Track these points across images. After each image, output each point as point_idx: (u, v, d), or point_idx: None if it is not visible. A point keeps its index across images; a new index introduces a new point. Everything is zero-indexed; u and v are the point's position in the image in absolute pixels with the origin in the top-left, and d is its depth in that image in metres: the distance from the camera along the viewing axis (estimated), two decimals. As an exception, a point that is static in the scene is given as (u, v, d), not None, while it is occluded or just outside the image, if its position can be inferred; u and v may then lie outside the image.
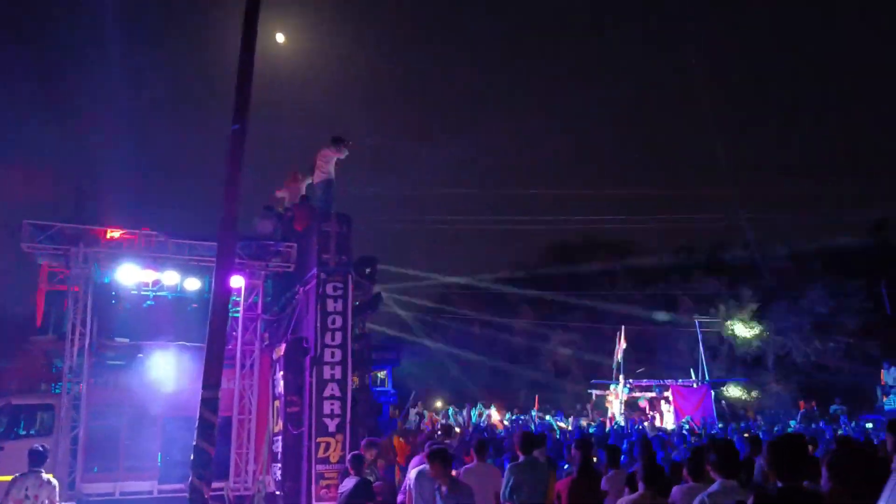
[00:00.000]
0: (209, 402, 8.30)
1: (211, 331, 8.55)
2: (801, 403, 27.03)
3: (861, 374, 29.26)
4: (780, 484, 3.44)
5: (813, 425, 18.42)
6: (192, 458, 8.17)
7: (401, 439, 12.43)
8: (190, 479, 8.12)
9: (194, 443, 8.22)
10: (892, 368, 23.84)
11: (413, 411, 15.75)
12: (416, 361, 27.20)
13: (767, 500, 3.38)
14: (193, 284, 12.14)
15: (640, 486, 5.74)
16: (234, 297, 12.60)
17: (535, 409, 22.86)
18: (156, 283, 12.14)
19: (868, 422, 19.96)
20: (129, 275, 11.63)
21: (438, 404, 24.27)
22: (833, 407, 24.65)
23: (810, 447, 11.06)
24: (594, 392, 25.04)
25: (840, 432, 14.65)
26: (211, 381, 8.37)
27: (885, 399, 23.35)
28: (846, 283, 30.07)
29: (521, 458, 7.25)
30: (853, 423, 18.16)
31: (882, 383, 24.04)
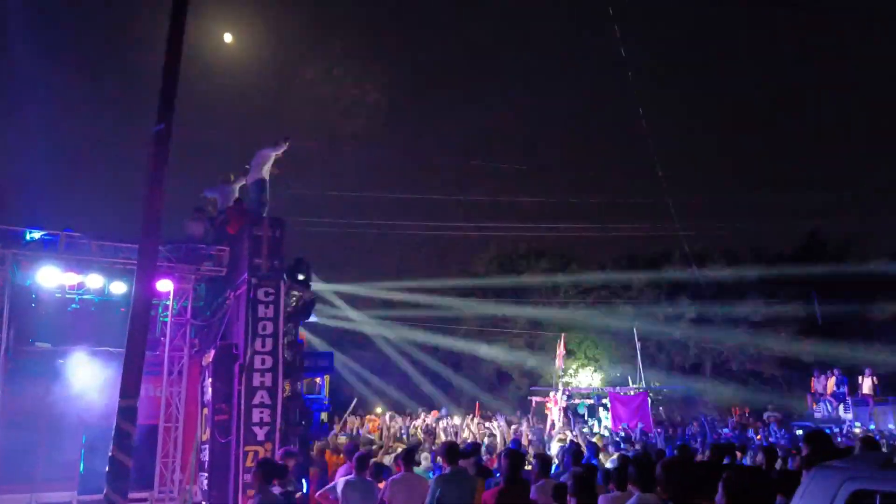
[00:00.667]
0: (127, 412, 7.98)
1: (131, 337, 8.23)
2: (735, 410, 27.70)
3: (793, 381, 30.20)
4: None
5: (749, 432, 18.83)
6: (107, 469, 7.86)
7: (331, 453, 12.24)
8: (106, 491, 7.81)
9: (110, 454, 7.91)
10: (822, 376, 24.57)
11: (353, 419, 15.50)
12: (355, 368, 26.96)
13: None
14: (119, 288, 11.72)
15: (571, 500, 5.71)
16: (163, 302, 12.28)
17: (477, 415, 22.83)
18: (79, 286, 11.67)
19: (799, 429, 20.53)
20: (50, 277, 11.17)
21: (378, 410, 24.00)
22: (766, 413, 25.30)
23: (738, 454, 11.28)
24: (534, 399, 25.16)
25: (770, 439, 14.98)
26: (129, 389, 8.06)
27: (814, 406, 24.04)
28: (780, 293, 30.99)
29: (448, 468, 7.16)
30: (782, 431, 18.61)
31: (812, 391, 24.76)
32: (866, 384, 23.26)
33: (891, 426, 19.69)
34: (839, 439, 16.26)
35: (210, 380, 11.00)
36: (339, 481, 7.87)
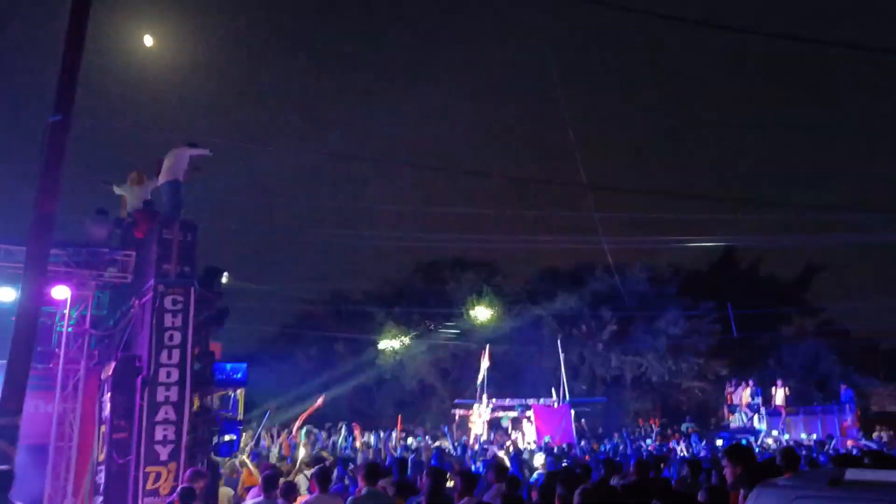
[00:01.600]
0: (5, 431, 7.22)
1: (14, 349, 7.49)
2: (654, 421, 28.16)
3: (709, 392, 30.95)
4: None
5: (672, 442, 18.95)
6: (-19, 496, 7.04)
7: (249, 473, 11.57)
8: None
9: (-16, 479, 7.09)
10: (738, 387, 25.20)
11: (264, 434, 14.77)
12: (272, 380, 26.01)
13: None
14: (8, 295, 10.74)
15: None
16: (60, 311, 11.34)
17: (399, 429, 22.32)
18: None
19: (718, 439, 20.89)
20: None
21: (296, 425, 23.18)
22: (684, 425, 25.75)
23: (662, 465, 11.22)
24: (457, 412, 24.85)
25: (690, 451, 15.07)
26: (10, 405, 7.30)
27: (730, 417, 24.62)
28: (698, 306, 31.76)
29: (365, 489, 6.70)
30: (703, 442, 18.85)
31: (729, 402, 25.37)
32: (779, 395, 23.99)
33: (802, 436, 20.26)
34: (756, 450, 16.54)
35: (109, 395, 10.15)
36: (248, 503, 7.30)
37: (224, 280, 11.27)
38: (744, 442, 17.61)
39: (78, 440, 10.76)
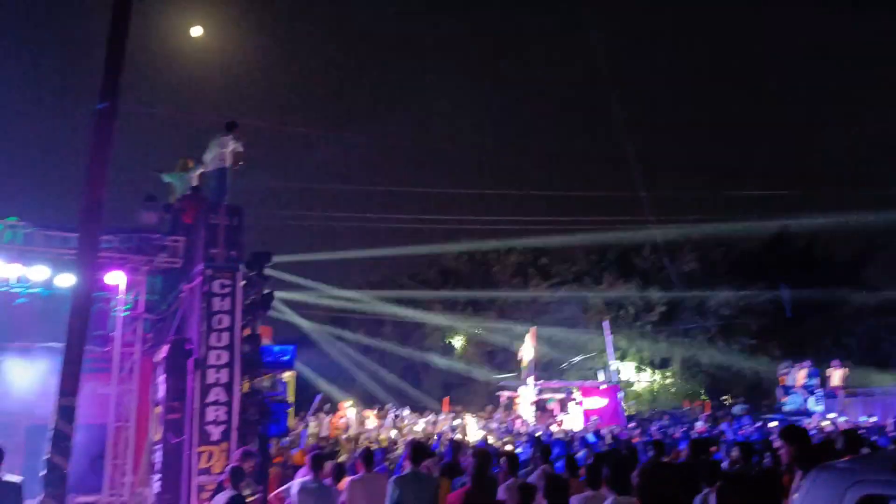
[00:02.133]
0: (65, 412, 7.45)
1: (70, 332, 7.68)
2: (707, 404, 27.68)
3: (762, 374, 30.25)
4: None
5: (723, 425, 18.61)
6: (43, 473, 7.31)
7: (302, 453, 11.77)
8: (42, 497, 7.26)
9: (46, 456, 7.36)
10: (793, 368, 24.55)
11: (313, 421, 14.90)
12: (321, 364, 26.38)
13: None
14: (67, 280, 11.04)
15: (542, 501, 5.30)
16: (114, 296, 11.64)
17: (445, 411, 22.44)
18: (20, 279, 10.99)
19: (771, 422, 20.43)
20: (-7, 270, 10.50)
21: (348, 405, 23.46)
22: (736, 407, 25.25)
23: (713, 448, 11.01)
24: (504, 394, 24.83)
25: (742, 433, 14.77)
26: (68, 387, 7.52)
27: (784, 399, 24.02)
28: (749, 287, 31.04)
29: (409, 469, 6.73)
30: (755, 424, 18.46)
31: (782, 383, 24.74)
32: (836, 376, 23.32)
33: (862, 419, 19.68)
34: (811, 433, 16.14)
35: (162, 377, 10.41)
36: (295, 483, 7.43)
37: (271, 264, 11.38)
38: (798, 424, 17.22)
39: (135, 420, 11.06)
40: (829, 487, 3.08)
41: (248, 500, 8.03)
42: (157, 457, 10.36)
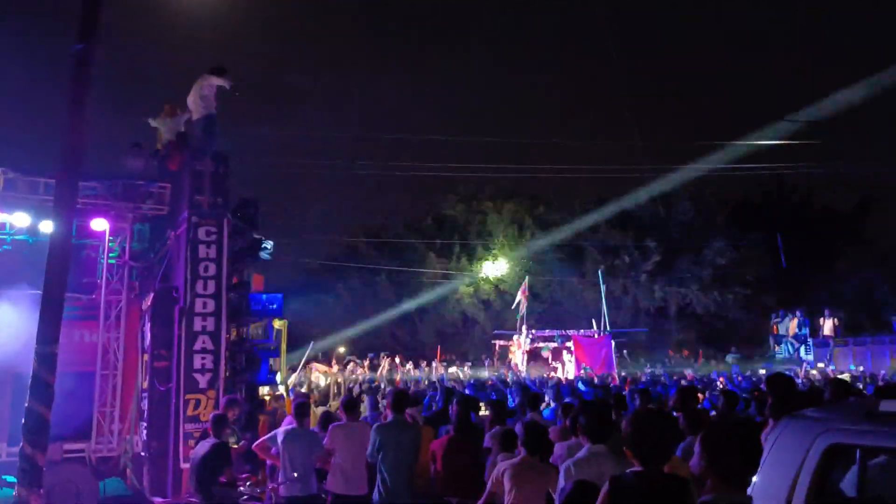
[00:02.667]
0: (44, 359, 7.34)
1: (48, 278, 7.54)
2: (700, 352, 27.87)
3: (756, 324, 30.41)
4: (638, 467, 2.94)
5: (713, 374, 18.71)
6: (23, 422, 7.26)
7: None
8: (21, 445, 7.22)
9: (26, 404, 7.30)
10: (785, 318, 24.68)
11: (301, 374, 14.83)
12: (316, 313, 26.40)
13: (623, 488, 2.86)
14: (51, 227, 10.88)
15: (521, 450, 5.25)
16: (101, 243, 11.50)
17: (439, 359, 22.55)
18: (2, 225, 10.85)
19: (761, 370, 20.56)
20: (-29, 216, 10.34)
21: (341, 351, 23.61)
22: (728, 356, 25.44)
23: (700, 395, 11.03)
24: (498, 342, 24.94)
25: (733, 382, 14.84)
26: (47, 334, 7.40)
27: (776, 348, 24.18)
28: (746, 237, 30.95)
29: (391, 417, 6.70)
30: (746, 372, 18.58)
31: (775, 332, 24.88)
32: (827, 325, 23.43)
33: (851, 367, 19.81)
34: (798, 381, 16.24)
35: (149, 325, 10.35)
36: (280, 431, 7.40)
37: (258, 212, 11.22)
38: (788, 373, 17.32)
39: (122, 368, 11.04)
40: (797, 436, 3.00)
41: (233, 447, 8.04)
42: (145, 404, 10.38)
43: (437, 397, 10.70)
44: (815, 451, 2.87)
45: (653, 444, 2.92)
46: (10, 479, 8.63)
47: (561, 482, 4.20)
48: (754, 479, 2.82)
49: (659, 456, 2.92)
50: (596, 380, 16.35)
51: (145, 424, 10.15)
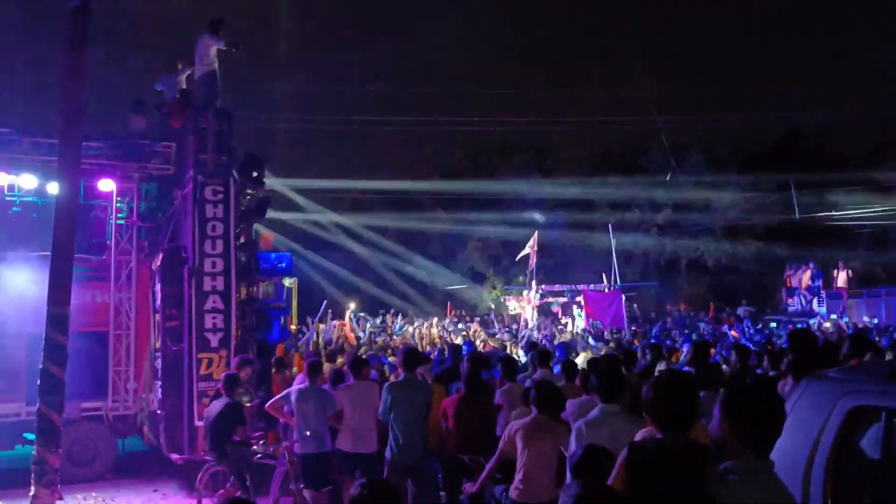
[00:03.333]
0: (56, 320, 7.38)
1: (56, 242, 7.54)
2: (711, 305, 27.79)
3: (768, 276, 30.23)
4: (659, 435, 2.86)
5: (724, 327, 18.65)
6: (38, 382, 7.32)
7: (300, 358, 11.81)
8: (38, 405, 7.30)
9: (41, 366, 7.35)
10: (798, 270, 24.51)
11: (319, 326, 14.81)
12: (326, 270, 26.44)
13: (642, 456, 2.78)
14: (57, 188, 10.84)
15: (532, 409, 5.22)
16: (110, 204, 11.45)
17: (449, 316, 22.60)
18: (10, 187, 10.81)
19: (772, 322, 20.51)
20: (-22, 179, 10.30)
21: (351, 306, 23.62)
22: (740, 308, 25.36)
23: (712, 350, 10.99)
24: (507, 297, 24.96)
25: (747, 335, 14.79)
26: (57, 296, 7.42)
27: (789, 300, 24.07)
28: (758, 187, 30.55)
29: (402, 375, 6.70)
30: (758, 325, 18.53)
31: (788, 285, 24.74)
32: (841, 277, 23.25)
33: (865, 319, 19.72)
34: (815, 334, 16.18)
35: (159, 285, 10.36)
36: (293, 390, 7.44)
37: (265, 170, 11.10)
38: (800, 326, 17.25)
39: (135, 328, 11.10)
40: (819, 398, 2.93)
41: (247, 406, 8.11)
42: (159, 363, 10.46)
43: (447, 354, 10.72)
44: (838, 414, 2.80)
45: (676, 411, 2.83)
46: (31, 436, 8.77)
47: (572, 444, 4.16)
48: None
49: (681, 424, 2.84)
50: (606, 334, 16.35)
51: (160, 383, 10.23)
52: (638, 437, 3.84)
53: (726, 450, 2.45)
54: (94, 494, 7.79)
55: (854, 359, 5.74)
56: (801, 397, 3.00)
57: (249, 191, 10.81)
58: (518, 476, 4.95)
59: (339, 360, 9.96)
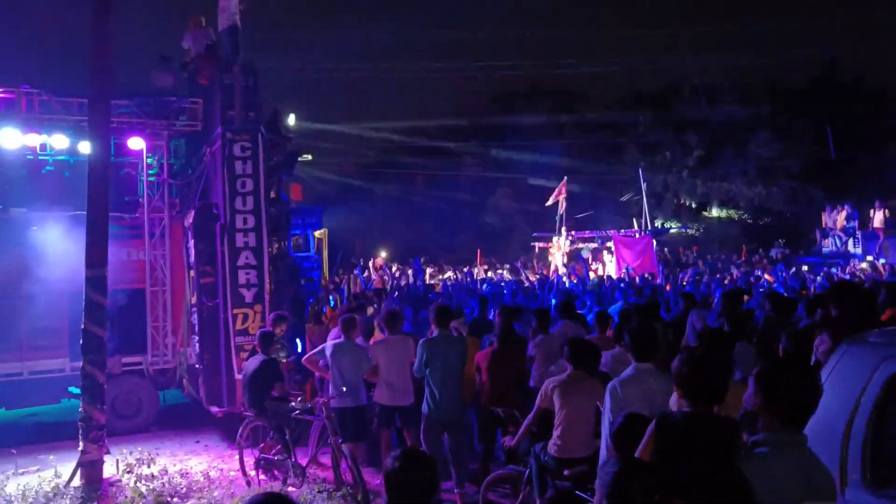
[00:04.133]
0: (95, 282, 7.53)
1: (91, 203, 7.63)
2: (744, 248, 27.44)
3: (802, 217, 29.66)
4: (687, 409, 2.85)
5: (758, 271, 18.41)
6: (81, 342, 7.52)
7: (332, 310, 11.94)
8: (81, 364, 7.52)
9: (82, 326, 7.54)
10: (834, 211, 24.00)
11: (339, 276, 14.92)
12: (354, 219, 26.51)
13: (670, 428, 2.77)
14: (88, 148, 10.92)
15: (567, 367, 5.23)
16: (140, 161, 11.53)
17: (479, 263, 22.62)
18: (42, 147, 10.91)
19: (804, 265, 20.19)
20: (11, 139, 10.39)
21: (382, 256, 23.78)
22: (773, 250, 25.00)
23: (746, 297, 10.87)
24: (537, 245, 24.86)
25: (778, 280, 14.60)
26: (95, 258, 7.56)
27: (824, 242, 23.63)
28: (792, 126, 29.76)
29: (436, 332, 6.75)
30: (791, 269, 18.27)
31: (823, 226, 24.26)
32: (877, 217, 22.71)
33: (901, 260, 19.32)
34: (845, 275, 15.94)
35: (192, 242, 10.48)
36: (328, 345, 7.53)
37: (291, 123, 11.06)
38: (834, 270, 16.98)
39: (170, 284, 11.28)
40: (859, 363, 2.89)
41: (283, 362, 8.26)
42: (195, 319, 10.66)
43: (473, 305, 10.74)
44: (878, 379, 2.77)
45: (706, 386, 2.81)
46: (75, 390, 9.05)
47: (607, 402, 4.18)
48: None
49: (711, 399, 2.82)
50: (638, 280, 16.26)
51: (197, 338, 10.45)
52: (672, 400, 3.84)
53: (759, 421, 2.43)
54: (139, 448, 8.04)
55: (891, 307, 5.63)
56: (840, 362, 2.97)
57: (277, 146, 10.81)
58: (556, 432, 5.02)
59: (369, 310, 10.04)
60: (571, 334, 6.55)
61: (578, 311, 9.40)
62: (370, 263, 18.86)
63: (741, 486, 2.23)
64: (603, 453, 4.08)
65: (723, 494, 2.27)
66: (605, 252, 22.18)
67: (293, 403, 7.05)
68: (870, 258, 19.96)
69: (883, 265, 17.47)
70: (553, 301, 12.22)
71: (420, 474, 2.54)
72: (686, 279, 16.15)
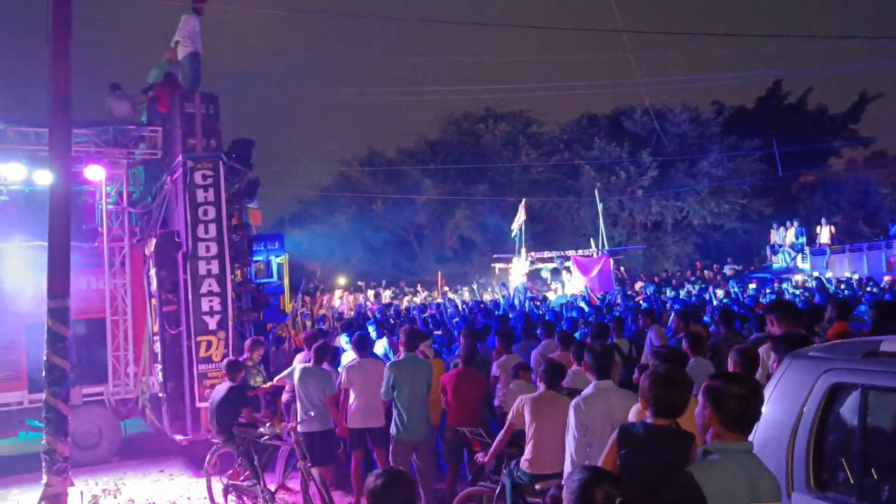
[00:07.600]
0: (57, 312, 7.45)
1: (52, 233, 7.56)
2: (698, 265, 28.17)
3: (753, 233, 30.58)
4: (648, 420, 3.08)
5: (712, 287, 18.89)
6: (43, 374, 7.44)
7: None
8: (43, 395, 7.43)
9: (44, 358, 7.46)
10: (781, 228, 24.83)
11: (306, 301, 14.98)
12: (314, 243, 26.48)
13: (630, 437, 3.02)
14: (46, 178, 10.81)
15: (540, 385, 5.44)
16: (99, 190, 11.46)
17: (441, 284, 22.79)
18: (-1, 177, 10.80)
19: (751, 282, 20.80)
20: (-35, 169, 10.28)
21: (341, 282, 23.81)
22: (726, 267, 25.72)
23: (701, 314, 11.24)
24: (497, 266, 25.14)
25: (731, 296, 15.05)
26: (57, 288, 7.49)
27: (773, 258, 24.42)
28: (741, 145, 30.73)
29: (403, 355, 6.89)
30: (742, 285, 18.83)
31: (771, 243, 25.07)
32: (824, 233, 23.59)
33: (847, 274, 20.08)
34: (798, 291, 16.50)
35: (154, 270, 10.44)
36: (297, 367, 7.60)
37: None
38: (784, 286, 17.57)
39: (131, 313, 11.19)
40: (801, 375, 3.15)
41: (263, 388, 8.33)
42: (158, 347, 10.59)
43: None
44: (819, 390, 3.02)
45: (667, 402, 3.05)
46: (34, 423, 8.91)
47: (572, 418, 4.37)
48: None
49: (672, 412, 3.06)
50: (598, 301, 16.57)
51: (160, 367, 10.37)
52: (632, 413, 4.06)
53: (709, 431, 2.67)
54: (103, 479, 7.96)
55: (839, 322, 6.00)
56: (785, 374, 3.22)
57: (238, 173, 10.88)
58: (528, 448, 5.19)
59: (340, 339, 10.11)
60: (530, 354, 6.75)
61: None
62: (325, 298, 18.77)
63: (692, 491, 2.46)
64: (567, 466, 4.28)
65: (676, 497, 2.50)
66: (564, 272, 22.55)
67: (261, 429, 7.09)
68: (816, 273, 20.69)
69: (829, 279, 18.15)
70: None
71: (401, 491, 2.68)
72: (642, 296, 16.53)
